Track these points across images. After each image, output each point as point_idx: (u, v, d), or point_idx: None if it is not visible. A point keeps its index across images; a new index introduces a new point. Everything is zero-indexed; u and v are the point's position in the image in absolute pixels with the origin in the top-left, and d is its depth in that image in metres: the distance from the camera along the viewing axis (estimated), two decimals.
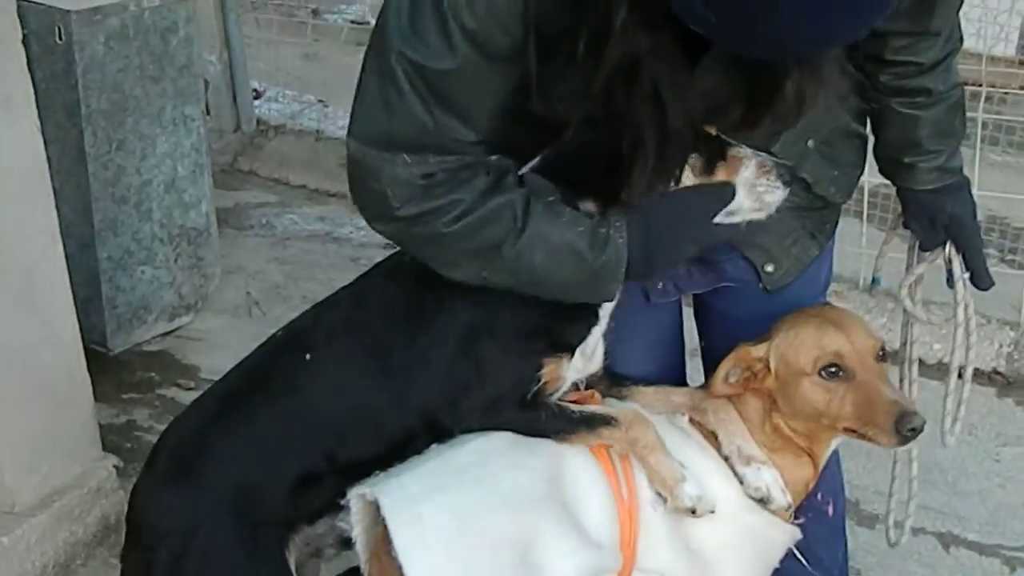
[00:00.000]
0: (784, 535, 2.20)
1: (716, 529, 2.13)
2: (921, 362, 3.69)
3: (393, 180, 1.84)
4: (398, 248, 2.10)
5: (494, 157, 1.92)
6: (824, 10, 1.53)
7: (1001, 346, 4.06)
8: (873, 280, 2.48)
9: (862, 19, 1.60)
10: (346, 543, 2.33)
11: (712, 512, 2.06)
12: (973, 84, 4.43)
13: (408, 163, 1.83)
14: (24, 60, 2.89)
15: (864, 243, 3.91)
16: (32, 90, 2.92)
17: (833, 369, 2.06)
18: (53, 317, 3.07)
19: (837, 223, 2.35)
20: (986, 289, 2.31)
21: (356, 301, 2.20)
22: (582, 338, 2.12)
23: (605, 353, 2.21)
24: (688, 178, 2.01)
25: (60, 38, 3.66)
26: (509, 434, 2.10)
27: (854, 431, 2.08)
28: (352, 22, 6.84)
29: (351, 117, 1.88)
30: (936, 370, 3.64)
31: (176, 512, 2.12)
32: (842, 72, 1.97)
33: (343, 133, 5.74)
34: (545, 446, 2.09)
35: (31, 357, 3.01)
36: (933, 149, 2.21)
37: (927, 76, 2.15)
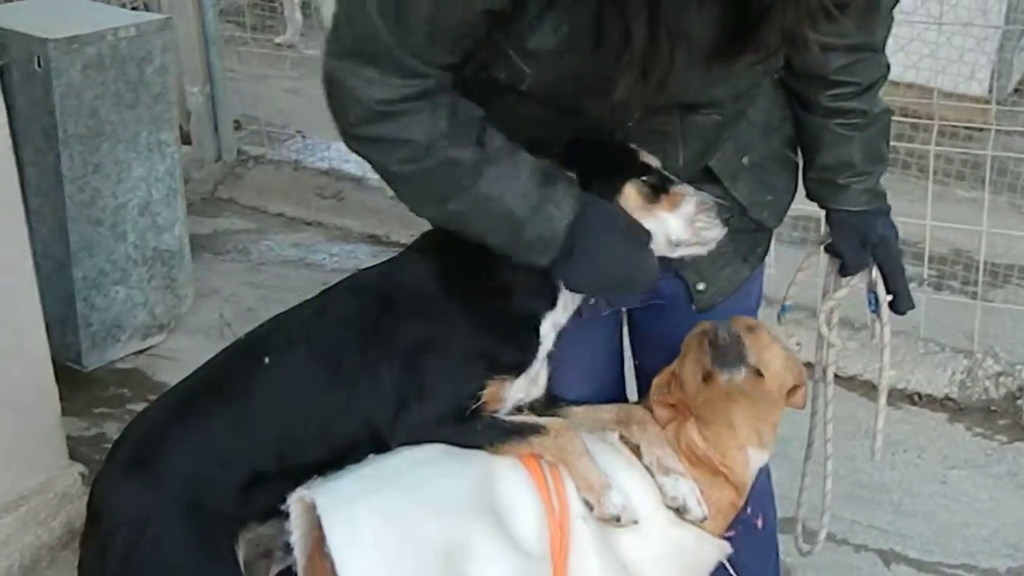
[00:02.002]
0: (713, 550, 2.21)
1: (645, 542, 2.15)
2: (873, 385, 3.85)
3: (352, 95, 1.86)
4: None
5: (460, 102, 1.92)
6: None
7: (954, 373, 4.13)
8: (782, 308, 2.51)
9: None
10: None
11: (636, 522, 2.08)
12: (941, 120, 4.55)
13: (373, 79, 1.84)
14: None
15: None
16: (5, 112, 2.98)
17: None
18: (23, 329, 3.13)
19: (769, 247, 2.39)
20: (904, 313, 2.34)
21: (317, 312, 2.25)
22: (526, 361, 2.17)
23: (548, 377, 2.25)
24: (627, 206, 2.04)
25: (39, 65, 3.74)
26: (442, 445, 2.13)
27: (705, 379, 2.10)
28: None
29: (326, 40, 1.91)
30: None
31: (131, 502, 2.16)
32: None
33: (321, 164, 5.93)
34: (477, 457, 2.12)
35: (1, 368, 3.07)
36: (865, 171, 2.26)
37: (863, 97, 2.21)
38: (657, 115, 2.04)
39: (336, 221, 5.43)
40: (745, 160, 2.25)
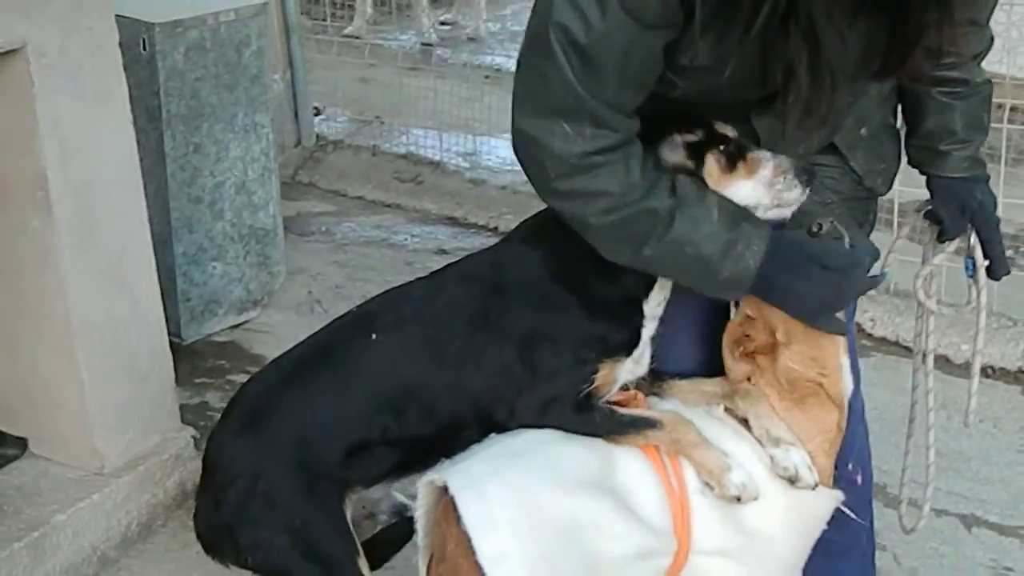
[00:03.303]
0: (828, 500, 2.22)
1: (766, 507, 2.15)
2: (948, 360, 3.90)
3: (551, 151, 1.92)
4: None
5: (650, 157, 1.99)
6: None
7: (1019, 344, 4.16)
8: (881, 274, 2.50)
9: None
10: (399, 513, 2.49)
11: (756, 499, 2.11)
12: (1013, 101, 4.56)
13: (567, 134, 1.90)
14: (120, 61, 3.03)
15: None
16: (126, 88, 3.06)
17: None
18: (140, 298, 3.21)
19: (877, 214, 2.42)
20: (999, 278, 2.37)
21: (428, 295, 2.30)
22: (634, 343, 2.21)
23: (652, 356, 2.27)
24: (710, 177, 2.08)
25: (144, 48, 3.83)
26: (550, 431, 2.18)
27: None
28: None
29: (513, 100, 1.95)
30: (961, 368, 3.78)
31: (244, 459, 2.27)
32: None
33: (397, 148, 6.00)
34: (595, 440, 2.16)
35: (119, 334, 3.15)
36: (966, 138, 2.27)
37: (966, 67, 2.23)
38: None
39: (415, 203, 5.48)
40: (864, 131, 2.28)
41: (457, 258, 2.43)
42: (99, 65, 3.00)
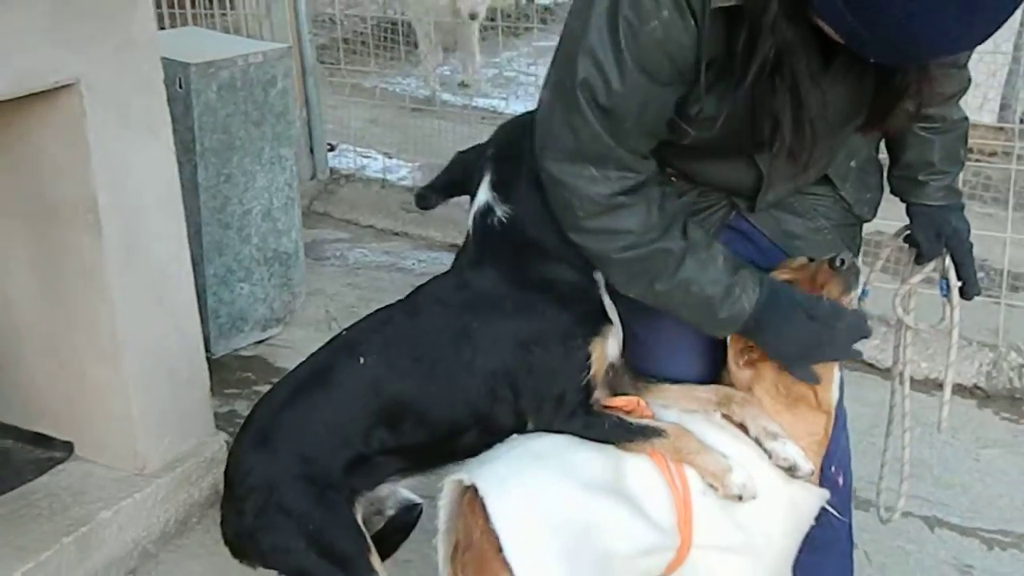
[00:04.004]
0: (816, 498, 2.23)
1: (762, 504, 2.15)
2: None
3: (580, 193, 1.96)
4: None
5: (667, 197, 2.04)
6: (960, 18, 1.57)
7: (981, 365, 4.16)
8: (863, 292, 2.51)
9: (992, 23, 1.61)
10: (404, 507, 2.50)
11: (755, 498, 2.12)
12: None
13: (595, 177, 1.95)
14: (164, 96, 3.03)
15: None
16: (170, 121, 3.06)
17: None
18: (179, 313, 3.21)
19: (862, 239, 2.43)
20: (971, 298, 2.34)
21: (409, 317, 2.30)
22: (608, 318, 2.24)
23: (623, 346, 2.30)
24: None
25: (181, 86, 3.84)
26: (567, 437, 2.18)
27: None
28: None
29: (541, 143, 2.00)
30: (922, 384, 3.73)
31: (257, 473, 2.28)
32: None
33: (404, 182, 5.99)
34: (607, 446, 2.17)
35: (161, 345, 3.15)
36: (943, 170, 2.26)
37: (945, 106, 2.21)
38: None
39: (420, 232, 5.49)
40: (853, 164, 2.29)
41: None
42: (145, 100, 3.00)
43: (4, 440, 3.31)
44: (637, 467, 2.14)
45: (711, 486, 2.13)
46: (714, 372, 2.31)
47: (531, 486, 2.08)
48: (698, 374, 2.35)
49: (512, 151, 2.31)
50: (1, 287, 3.18)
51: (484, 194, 2.31)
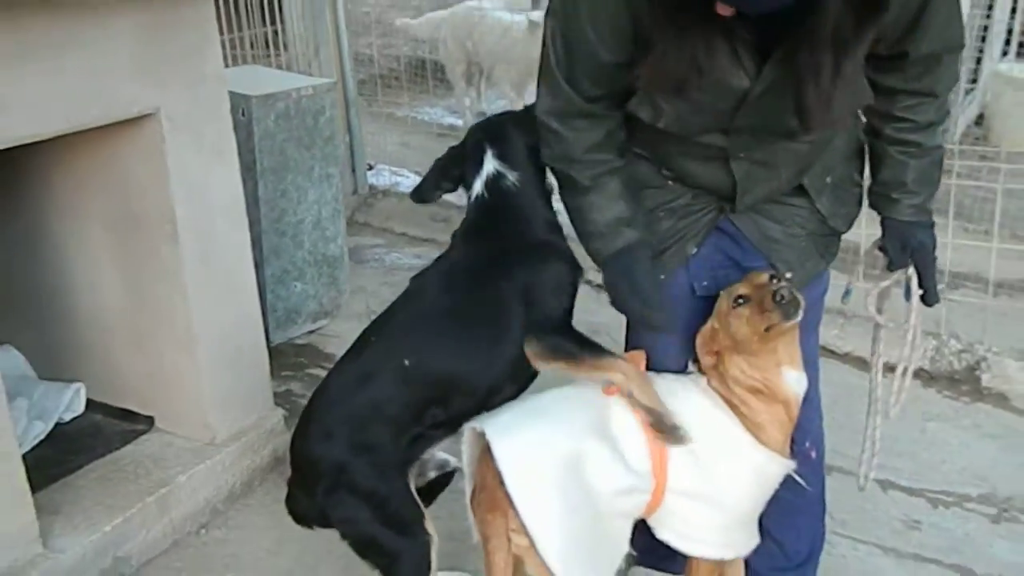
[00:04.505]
0: (780, 467, 2.22)
1: (730, 465, 2.17)
2: (866, 362, 3.88)
3: (540, 99, 2.13)
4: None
5: (605, 141, 2.13)
6: None
7: (926, 351, 4.14)
8: (846, 292, 2.48)
9: None
10: (441, 466, 2.55)
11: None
12: None
13: (552, 95, 2.09)
14: (231, 124, 3.04)
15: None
16: (235, 145, 3.07)
17: (739, 300, 2.13)
18: (244, 307, 3.22)
19: (838, 248, 2.38)
20: (931, 305, 2.30)
21: (427, 313, 2.31)
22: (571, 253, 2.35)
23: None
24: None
25: (244, 115, 3.85)
26: (573, 391, 2.20)
27: (768, 328, 2.09)
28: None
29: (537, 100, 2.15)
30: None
31: (327, 460, 2.28)
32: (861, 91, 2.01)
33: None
34: (598, 400, 2.17)
35: (228, 335, 3.17)
36: (915, 190, 2.19)
37: (920, 133, 2.14)
38: (762, 146, 2.11)
39: (445, 238, 5.16)
40: (829, 179, 2.25)
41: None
42: (214, 127, 3.00)
43: (96, 415, 3.33)
44: (620, 419, 2.15)
45: (654, 415, 2.14)
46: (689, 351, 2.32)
47: (529, 432, 2.10)
48: (678, 351, 2.34)
49: (501, 132, 2.39)
50: (94, 287, 3.19)
51: (491, 164, 2.37)
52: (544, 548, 2.00)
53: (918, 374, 4.07)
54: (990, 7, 6.71)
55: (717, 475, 2.17)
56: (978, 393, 3.99)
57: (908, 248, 2.23)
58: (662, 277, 2.29)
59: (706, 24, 1.80)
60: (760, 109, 1.97)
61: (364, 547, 2.31)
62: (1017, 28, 6.99)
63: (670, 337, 2.33)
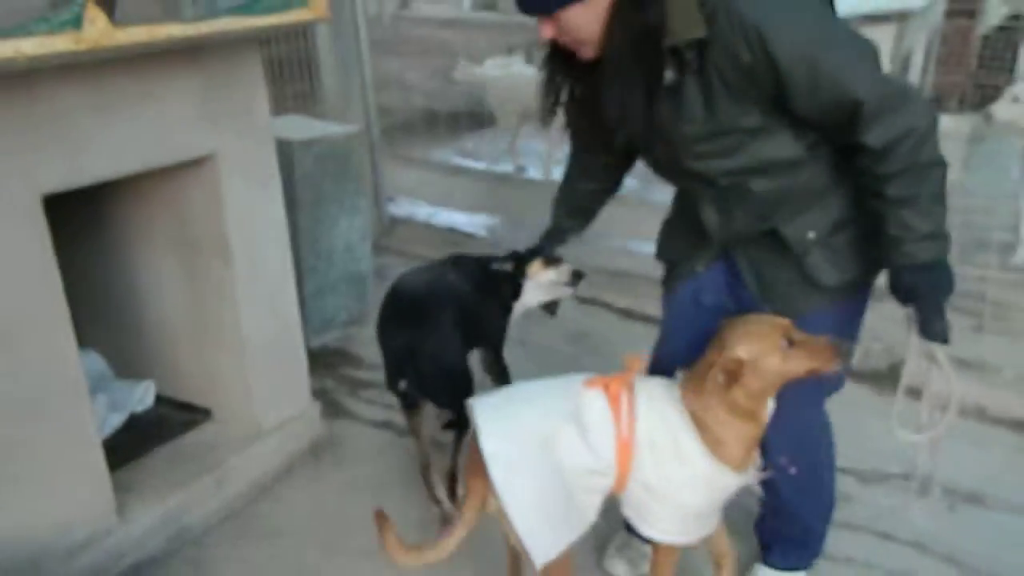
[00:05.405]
0: (731, 479, 2.11)
1: (681, 469, 2.10)
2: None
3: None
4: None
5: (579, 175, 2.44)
6: None
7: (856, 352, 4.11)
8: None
9: None
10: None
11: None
12: None
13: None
14: (276, 163, 3.03)
15: None
16: (280, 181, 3.07)
17: (786, 341, 2.00)
18: (287, 317, 3.22)
19: (840, 291, 2.08)
20: (932, 340, 1.99)
21: (441, 290, 2.90)
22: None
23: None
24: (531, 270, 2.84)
25: (286, 157, 3.79)
26: (557, 382, 2.18)
27: (813, 371, 2.00)
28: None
29: None
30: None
31: (449, 352, 2.77)
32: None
33: (444, 224, 5.94)
34: (575, 388, 2.12)
35: (275, 340, 3.16)
36: (897, 235, 1.88)
37: (880, 184, 1.85)
38: (710, 189, 2.05)
39: None
40: (811, 235, 2.04)
41: None
42: (262, 165, 3.00)
43: (163, 408, 3.32)
44: (593, 407, 2.10)
45: None
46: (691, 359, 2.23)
47: (510, 410, 2.09)
48: (684, 352, 2.26)
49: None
50: (161, 300, 3.18)
51: None
52: (510, 509, 1.99)
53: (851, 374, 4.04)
54: None
55: (671, 475, 2.10)
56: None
57: (899, 290, 1.95)
58: (675, 286, 2.27)
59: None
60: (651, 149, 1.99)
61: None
62: None
63: (678, 342, 2.30)
